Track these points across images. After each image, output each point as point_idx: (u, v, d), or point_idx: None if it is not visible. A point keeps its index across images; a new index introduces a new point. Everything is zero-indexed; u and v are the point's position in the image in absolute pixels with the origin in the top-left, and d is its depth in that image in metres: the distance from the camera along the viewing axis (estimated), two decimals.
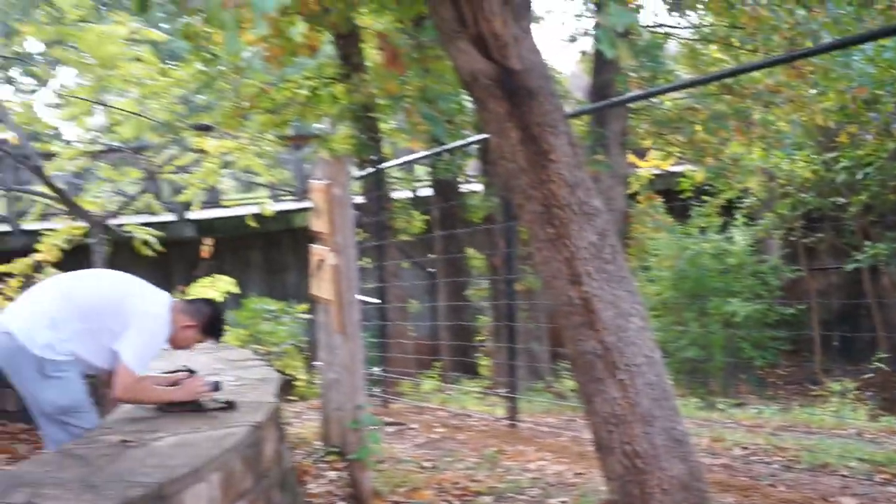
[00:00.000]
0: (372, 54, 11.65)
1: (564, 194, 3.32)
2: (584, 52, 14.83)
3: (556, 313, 3.57)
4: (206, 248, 13.13)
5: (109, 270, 4.97)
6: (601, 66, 11.77)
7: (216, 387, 4.51)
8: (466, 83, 3.41)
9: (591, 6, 11.00)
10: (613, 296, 3.41)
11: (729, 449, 6.54)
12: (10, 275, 12.27)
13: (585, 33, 13.62)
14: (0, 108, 12.75)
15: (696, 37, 13.69)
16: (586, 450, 6.38)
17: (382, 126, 12.24)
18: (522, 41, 3.25)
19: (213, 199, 17.96)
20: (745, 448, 6.54)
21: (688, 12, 13.00)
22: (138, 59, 11.88)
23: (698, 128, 12.59)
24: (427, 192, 16.75)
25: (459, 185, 14.76)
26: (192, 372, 4.71)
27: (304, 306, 11.87)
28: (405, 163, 13.90)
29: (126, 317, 4.50)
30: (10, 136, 12.70)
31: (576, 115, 9.91)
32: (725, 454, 6.39)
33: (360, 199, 10.06)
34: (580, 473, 5.93)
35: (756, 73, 11.21)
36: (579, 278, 3.38)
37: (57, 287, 4.73)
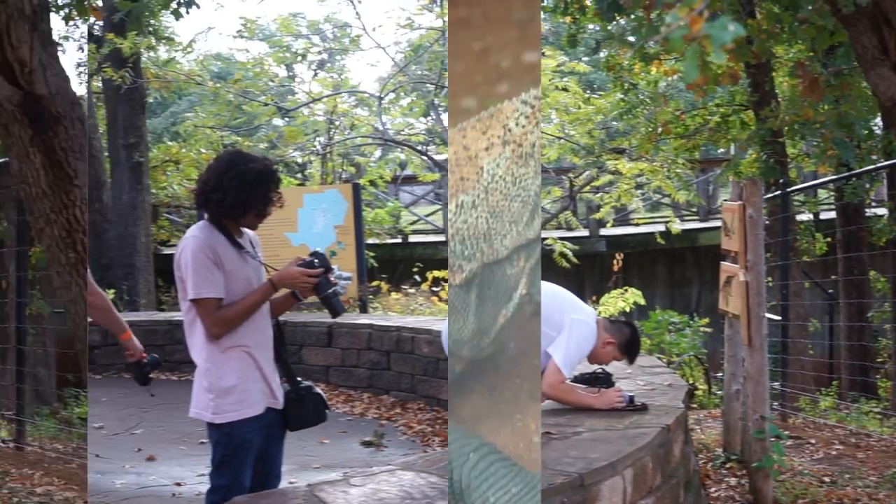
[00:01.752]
0: (781, 82, 11.25)
1: None
2: None
3: None
4: (617, 262, 13.28)
5: (546, 282, 5.13)
6: None
7: (631, 401, 4.53)
8: (886, 108, 3.21)
9: None
10: None
11: None
12: (444, 280, 13.19)
13: None
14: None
15: None
16: None
17: (789, 150, 11.76)
18: None
19: (622, 217, 18.12)
20: None
21: None
22: (565, 89, 12.28)
23: None
24: (830, 214, 15.90)
25: (865, 209, 13.83)
26: (608, 375, 4.77)
27: (705, 319, 11.64)
28: (813, 186, 13.28)
29: (560, 324, 4.64)
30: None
31: None
32: None
33: (765, 220, 9.73)
34: None
35: None
36: None
37: None
